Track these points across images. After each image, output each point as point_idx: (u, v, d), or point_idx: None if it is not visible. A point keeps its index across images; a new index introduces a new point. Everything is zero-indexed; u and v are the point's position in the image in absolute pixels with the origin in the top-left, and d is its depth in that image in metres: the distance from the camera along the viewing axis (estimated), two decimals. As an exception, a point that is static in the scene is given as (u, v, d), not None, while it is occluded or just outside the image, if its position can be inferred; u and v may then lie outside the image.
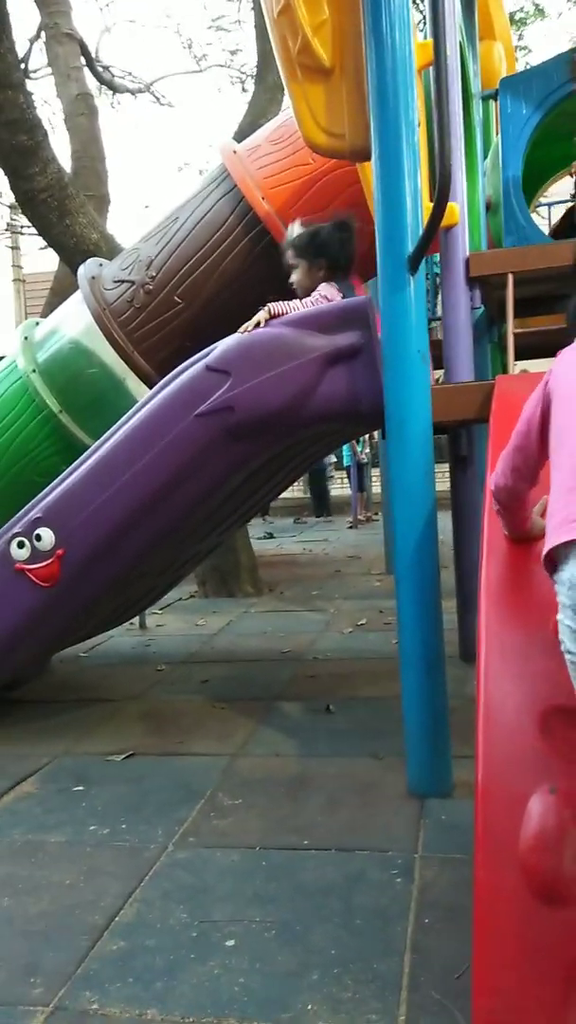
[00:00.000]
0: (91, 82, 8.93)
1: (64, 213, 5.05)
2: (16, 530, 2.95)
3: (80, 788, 2.73)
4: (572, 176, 3.77)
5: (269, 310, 2.70)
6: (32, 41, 9.26)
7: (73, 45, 8.01)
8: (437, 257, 3.41)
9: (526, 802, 1.34)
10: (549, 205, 5.33)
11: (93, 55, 9.50)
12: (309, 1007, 1.58)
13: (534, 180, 4.02)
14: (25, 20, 18.32)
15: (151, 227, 3.73)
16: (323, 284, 2.84)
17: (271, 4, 2.59)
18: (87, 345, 3.69)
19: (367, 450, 12.29)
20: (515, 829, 1.33)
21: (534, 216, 4.28)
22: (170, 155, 29.53)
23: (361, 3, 2.42)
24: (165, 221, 3.66)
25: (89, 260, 3.88)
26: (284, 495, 8.80)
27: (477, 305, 3.30)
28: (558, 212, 5.02)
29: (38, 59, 9.46)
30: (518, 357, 3.31)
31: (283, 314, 2.70)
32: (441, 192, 2.32)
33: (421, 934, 1.79)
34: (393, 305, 2.45)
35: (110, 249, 5.02)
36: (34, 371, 3.69)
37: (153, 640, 4.93)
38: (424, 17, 4.18)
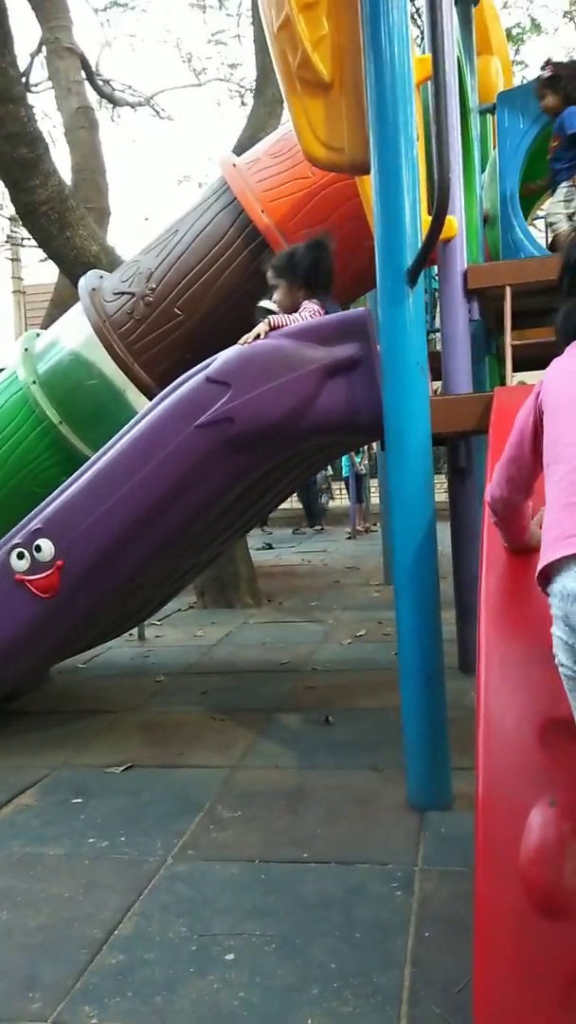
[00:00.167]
0: (91, 96, 8.99)
1: (64, 225, 5.07)
2: (16, 541, 2.95)
3: (79, 800, 2.72)
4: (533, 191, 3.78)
5: (269, 322, 2.71)
6: (33, 55, 9.33)
7: (74, 59, 8.07)
8: (435, 270, 3.43)
9: (526, 815, 1.34)
10: (546, 217, 5.35)
11: (93, 69, 9.57)
12: (309, 1021, 1.58)
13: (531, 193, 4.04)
14: (26, 34, 18.44)
15: (151, 239, 3.76)
16: (307, 301, 2.88)
17: (271, 19, 2.61)
18: (87, 357, 3.70)
19: (366, 461, 12.30)
20: (515, 842, 1.32)
21: (531, 229, 4.30)
22: (170, 168, 29.72)
23: (360, 18, 2.45)
24: (165, 234, 3.68)
25: (90, 272, 3.90)
26: (283, 506, 8.80)
27: (475, 317, 3.32)
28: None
29: (39, 73, 9.53)
30: (516, 369, 3.33)
31: (283, 326, 2.71)
32: (440, 205, 2.34)
33: (421, 947, 1.78)
34: (392, 317, 2.46)
35: (110, 261, 5.04)
36: (34, 382, 3.70)
37: (152, 651, 4.92)
38: (422, 32, 4.22)
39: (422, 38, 4.05)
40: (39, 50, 8.96)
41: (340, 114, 2.59)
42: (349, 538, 11.15)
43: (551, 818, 1.31)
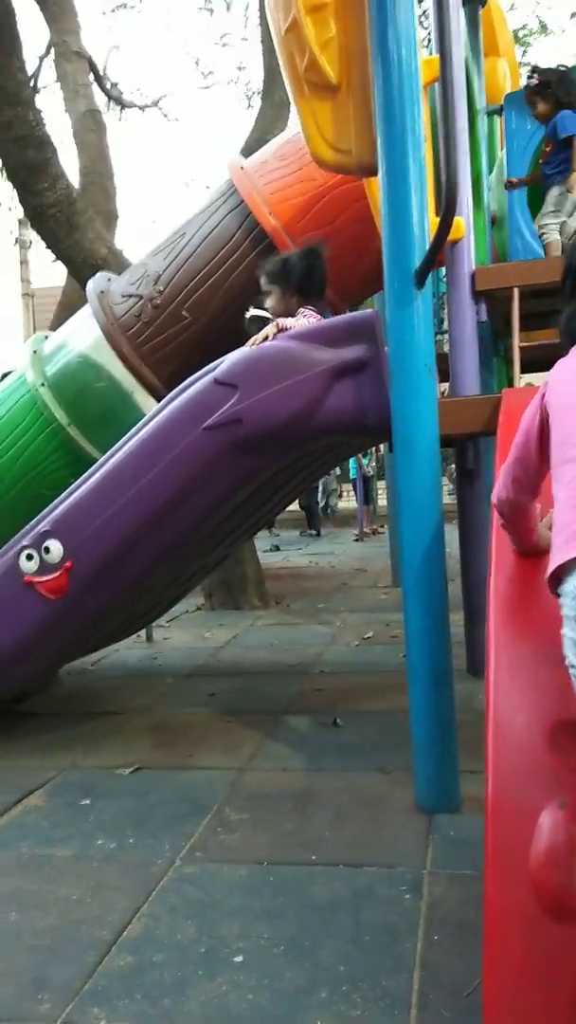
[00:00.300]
0: (99, 98, 9.03)
1: (73, 228, 5.09)
2: (25, 543, 2.96)
3: (87, 802, 2.72)
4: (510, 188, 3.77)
5: (277, 324, 2.72)
6: (42, 59, 9.38)
7: (82, 62, 8.11)
8: (442, 272, 3.43)
9: (536, 817, 1.33)
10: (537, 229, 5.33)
11: (101, 72, 9.60)
12: (318, 1024, 1.57)
13: (539, 194, 4.03)
14: (35, 38, 18.53)
15: (159, 242, 3.77)
16: (305, 308, 2.91)
17: (278, 21, 2.62)
18: (95, 359, 3.71)
19: (373, 463, 12.30)
20: (525, 845, 1.32)
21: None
22: (177, 171, 29.76)
23: (368, 20, 2.45)
24: (173, 236, 3.69)
25: (98, 274, 3.92)
26: (291, 508, 8.81)
27: (483, 319, 3.31)
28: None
29: (47, 76, 9.58)
30: (523, 370, 3.32)
31: (291, 328, 2.72)
32: (448, 206, 2.34)
33: (430, 951, 1.78)
34: (400, 319, 2.46)
35: (118, 264, 5.06)
36: (43, 385, 3.71)
37: (160, 653, 4.93)
38: (429, 34, 4.22)
39: (429, 40, 4.05)
40: (47, 53, 9.00)
41: (348, 116, 2.59)
42: (357, 540, 11.15)
43: (561, 821, 1.31)
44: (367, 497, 11.88)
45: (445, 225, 2.35)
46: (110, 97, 10.37)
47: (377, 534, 11.55)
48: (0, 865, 2.31)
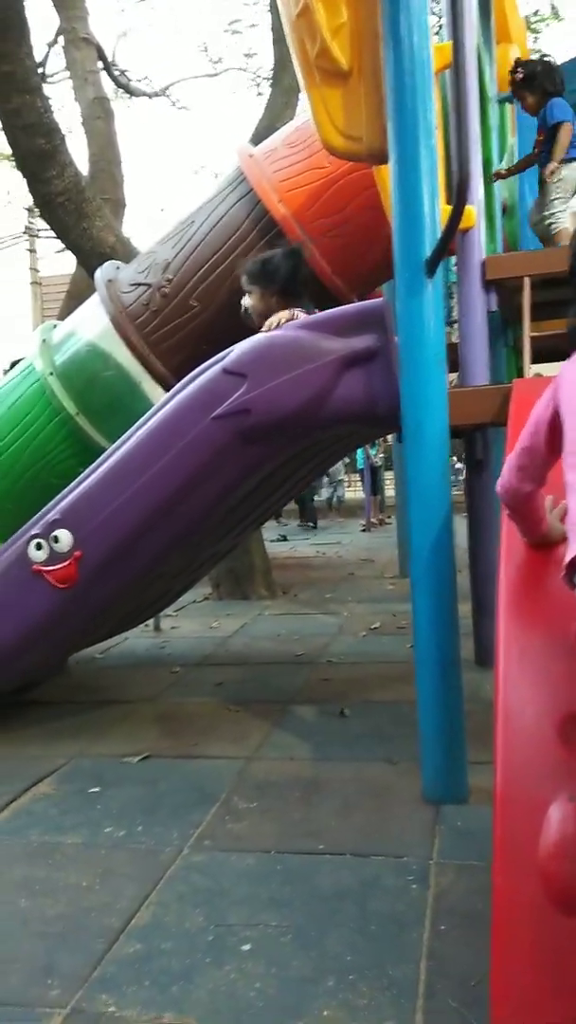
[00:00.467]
0: (108, 86, 8.99)
1: (81, 216, 5.08)
2: (34, 531, 2.96)
3: (96, 789, 2.73)
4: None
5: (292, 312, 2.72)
6: (50, 45, 9.35)
7: (90, 49, 8.07)
8: (451, 262, 3.41)
9: (545, 810, 1.33)
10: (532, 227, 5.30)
11: (110, 59, 9.55)
12: (325, 1013, 1.58)
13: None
14: (43, 25, 18.42)
15: (168, 230, 3.75)
16: (295, 310, 2.93)
17: (289, 7, 2.59)
18: (104, 348, 3.71)
19: (380, 453, 12.29)
20: (534, 837, 1.32)
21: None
22: (185, 158, 29.66)
23: (379, 6, 2.42)
24: (181, 224, 3.67)
25: (106, 263, 3.90)
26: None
27: (493, 308, 3.29)
28: None
29: (55, 63, 9.54)
30: (533, 360, 3.31)
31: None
32: (459, 195, 2.32)
33: (437, 941, 1.78)
34: (410, 308, 2.44)
35: (126, 252, 5.05)
36: (51, 374, 3.71)
37: (168, 642, 4.94)
38: (440, 20, 4.18)
39: (440, 27, 4.01)
40: (55, 40, 8.97)
41: (358, 103, 2.57)
42: (364, 530, 11.15)
43: (571, 813, 1.30)
44: (374, 487, 11.87)
45: (457, 213, 2.33)
46: (119, 84, 10.33)
47: (384, 524, 11.55)
48: (9, 852, 2.33)
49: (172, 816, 2.49)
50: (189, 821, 2.45)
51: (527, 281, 3.12)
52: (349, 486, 14.49)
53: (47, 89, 5.74)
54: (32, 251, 16.31)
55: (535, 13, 10.75)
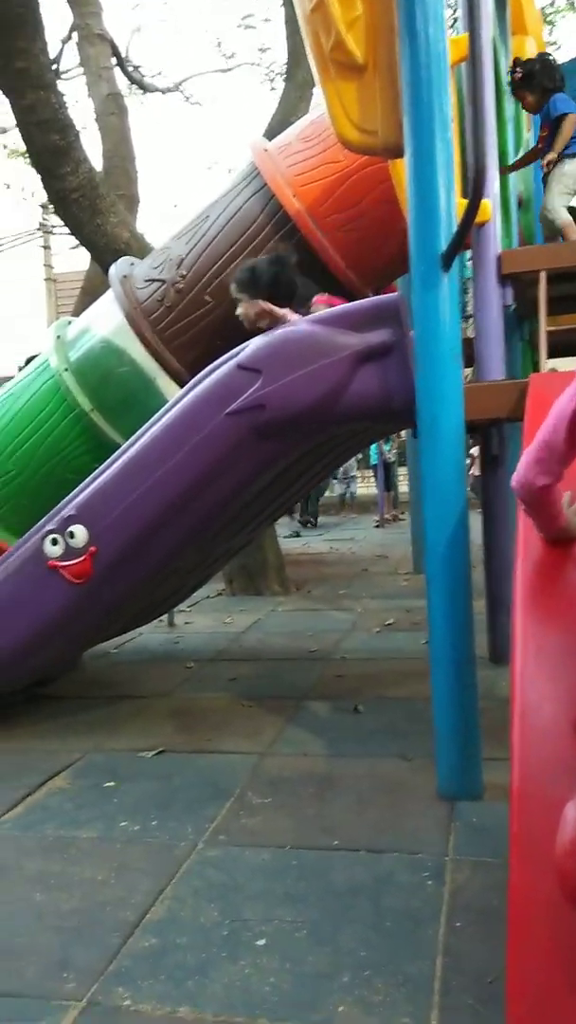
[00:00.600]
0: (122, 82, 8.99)
1: (95, 212, 5.08)
2: (50, 527, 2.97)
3: (111, 784, 2.74)
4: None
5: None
6: (64, 42, 9.35)
7: (104, 45, 8.07)
8: (466, 256, 3.39)
9: (562, 806, 1.32)
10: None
11: (124, 55, 9.55)
12: (340, 1009, 1.58)
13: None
14: (57, 21, 18.42)
15: (182, 226, 3.75)
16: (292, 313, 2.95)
17: (304, 1, 2.58)
18: (118, 344, 3.71)
19: (394, 449, 12.24)
20: (550, 834, 1.31)
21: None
22: (199, 154, 29.63)
23: (395, -1, 2.40)
24: (195, 220, 3.67)
25: (121, 259, 3.91)
26: (311, 493, 8.79)
27: (509, 303, 3.27)
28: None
29: (70, 59, 9.55)
30: (549, 355, 3.28)
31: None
32: (475, 188, 2.30)
33: (453, 937, 1.78)
34: (426, 302, 2.43)
35: (140, 248, 5.05)
36: (66, 370, 3.72)
37: (181, 637, 4.95)
38: (455, 13, 4.15)
39: (455, 20, 3.99)
40: (69, 37, 8.97)
41: (374, 96, 2.55)
42: (377, 526, 11.12)
43: (587, 811, 1.29)
44: (388, 483, 11.83)
45: (473, 207, 2.31)
46: (132, 80, 10.33)
47: (398, 520, 11.52)
48: (25, 847, 2.34)
49: (187, 811, 2.50)
50: (204, 816, 2.45)
51: (543, 275, 3.10)
52: (362, 482, 14.46)
53: (61, 85, 5.73)
54: (46, 247, 16.35)
55: (551, 4, 10.67)
